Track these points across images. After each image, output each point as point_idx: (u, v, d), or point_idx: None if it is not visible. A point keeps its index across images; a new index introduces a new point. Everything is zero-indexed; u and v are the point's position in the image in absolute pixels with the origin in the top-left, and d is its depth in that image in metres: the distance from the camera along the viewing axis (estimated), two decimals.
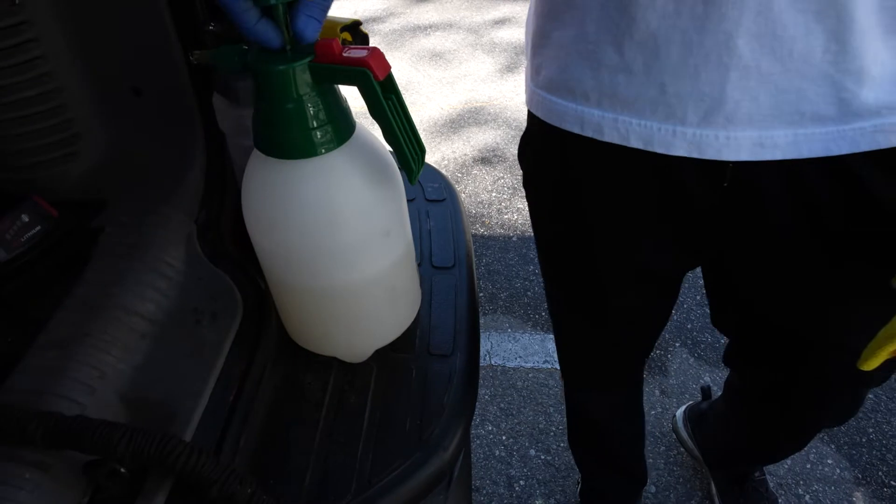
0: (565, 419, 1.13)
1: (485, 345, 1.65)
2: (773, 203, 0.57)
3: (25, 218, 0.60)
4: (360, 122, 0.49)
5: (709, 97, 0.51)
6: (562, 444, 1.40)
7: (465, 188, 2.26)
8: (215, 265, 0.58)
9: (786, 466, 1.32)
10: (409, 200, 0.74)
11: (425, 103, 2.83)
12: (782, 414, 0.84)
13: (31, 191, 0.62)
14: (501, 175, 2.31)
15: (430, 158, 2.43)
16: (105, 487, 0.41)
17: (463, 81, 2.98)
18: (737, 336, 0.83)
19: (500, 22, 3.55)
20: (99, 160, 0.64)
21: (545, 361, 1.60)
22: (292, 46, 0.43)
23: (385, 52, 0.42)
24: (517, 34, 3.35)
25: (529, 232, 1.90)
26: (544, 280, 0.86)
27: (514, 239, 2.01)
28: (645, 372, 1.44)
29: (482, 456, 1.40)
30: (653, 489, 1.31)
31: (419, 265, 0.66)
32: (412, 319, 0.59)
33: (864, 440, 1.36)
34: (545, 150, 0.69)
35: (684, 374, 1.53)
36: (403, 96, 0.44)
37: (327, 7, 0.43)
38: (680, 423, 1.34)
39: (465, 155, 2.44)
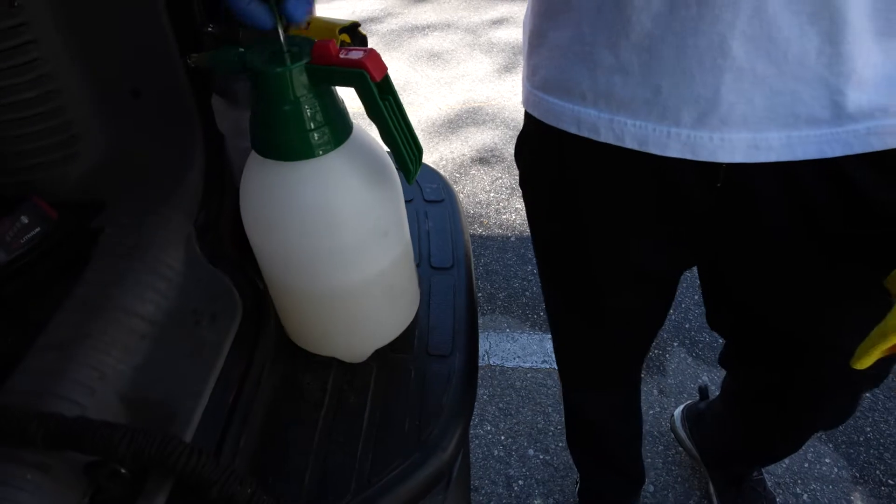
0: (563, 419, 1.13)
1: (483, 345, 1.65)
2: (768, 205, 0.57)
3: (25, 219, 0.60)
4: (357, 124, 0.49)
5: (703, 99, 0.51)
6: (560, 444, 1.40)
7: (464, 188, 2.26)
8: (214, 266, 0.58)
9: (784, 465, 1.32)
10: (407, 201, 0.74)
11: (423, 103, 2.83)
12: (777, 415, 0.85)
13: (30, 192, 0.62)
14: (499, 175, 2.31)
15: (428, 159, 2.43)
16: (106, 488, 0.41)
17: (461, 82, 2.98)
18: (732, 337, 0.83)
19: (498, 22, 3.55)
20: (98, 161, 0.64)
21: (543, 361, 1.60)
22: (283, 27, 0.43)
23: (383, 53, 0.43)
24: (515, 34, 3.35)
25: (527, 232, 1.90)
26: (541, 280, 0.86)
27: (513, 239, 2.01)
28: (643, 371, 1.43)
29: (481, 456, 1.40)
30: (651, 488, 1.31)
31: (418, 265, 0.66)
32: (411, 320, 0.59)
33: (861, 439, 1.36)
34: (542, 150, 0.69)
35: (682, 373, 1.54)
36: (401, 96, 0.45)
37: None
38: (678, 423, 1.34)
39: (463, 155, 2.44)
